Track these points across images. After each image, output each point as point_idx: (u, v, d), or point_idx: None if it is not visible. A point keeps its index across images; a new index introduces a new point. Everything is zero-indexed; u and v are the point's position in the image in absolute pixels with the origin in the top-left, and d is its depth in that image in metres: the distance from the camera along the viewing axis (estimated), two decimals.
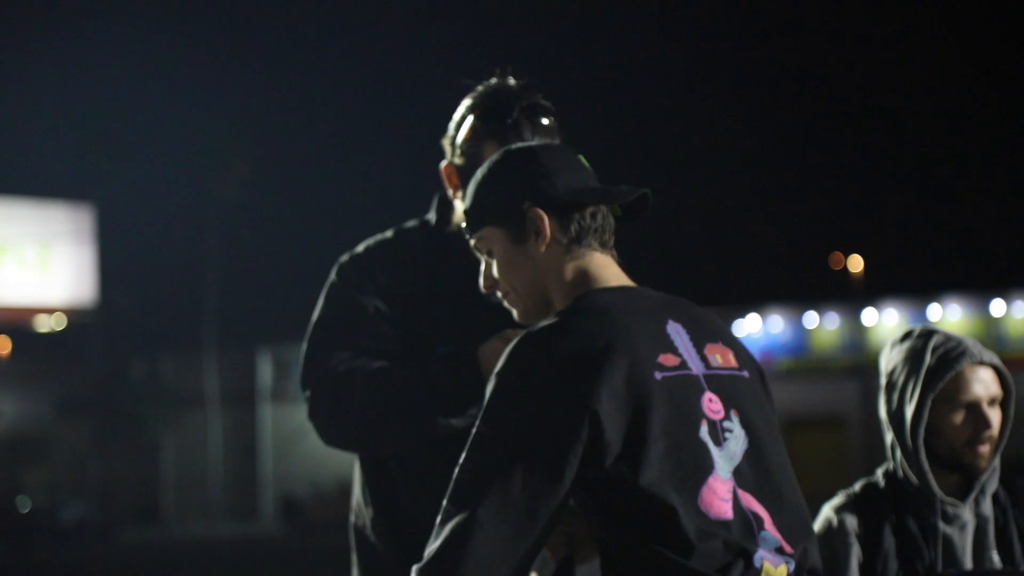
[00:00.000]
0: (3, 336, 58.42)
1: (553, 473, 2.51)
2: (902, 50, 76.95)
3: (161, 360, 57.22)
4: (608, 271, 2.77)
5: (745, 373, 2.77)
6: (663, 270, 62.81)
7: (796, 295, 50.71)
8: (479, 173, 2.79)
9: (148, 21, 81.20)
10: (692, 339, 2.71)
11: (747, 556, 2.55)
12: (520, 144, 2.85)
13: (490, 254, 2.78)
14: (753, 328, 49.76)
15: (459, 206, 3.44)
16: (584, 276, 2.73)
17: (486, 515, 2.49)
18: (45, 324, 54.22)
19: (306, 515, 47.91)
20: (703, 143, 73.25)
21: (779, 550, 2.60)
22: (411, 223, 3.61)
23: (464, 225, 2.80)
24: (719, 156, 71.60)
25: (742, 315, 49.90)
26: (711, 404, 2.65)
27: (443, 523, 2.51)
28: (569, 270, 2.73)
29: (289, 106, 75.64)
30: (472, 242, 2.80)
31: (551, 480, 2.51)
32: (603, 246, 2.79)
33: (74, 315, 53.81)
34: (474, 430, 2.57)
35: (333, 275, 3.54)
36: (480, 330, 3.31)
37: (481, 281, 2.80)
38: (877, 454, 47.36)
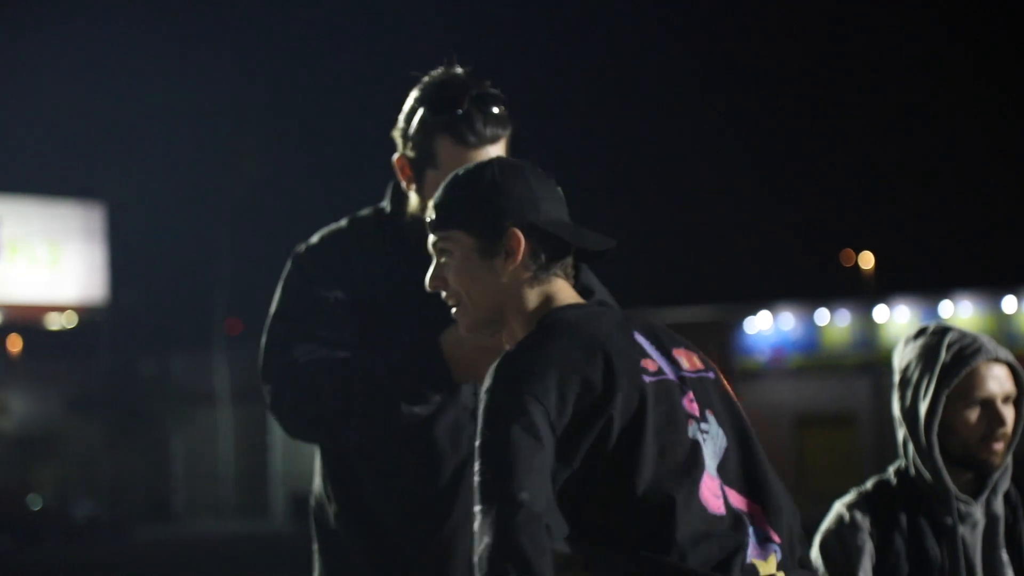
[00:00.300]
0: (14, 334, 58.50)
1: (568, 456, 2.56)
2: (914, 45, 76.82)
3: (171, 357, 57.22)
4: (566, 292, 2.76)
5: (711, 374, 2.83)
6: (674, 267, 62.74)
7: (807, 292, 50.63)
8: (465, 173, 2.77)
9: (159, 19, 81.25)
10: (657, 346, 2.74)
11: (742, 553, 2.59)
12: (513, 161, 2.83)
13: (447, 255, 2.76)
14: (764, 325, 49.70)
15: (414, 198, 3.43)
16: (547, 299, 2.73)
17: (521, 493, 2.49)
18: (56, 322, 54.29)
19: None
20: (714, 140, 73.18)
21: (766, 539, 2.65)
22: (365, 211, 3.58)
23: (430, 218, 2.77)
24: (730, 153, 71.52)
25: (753, 312, 49.84)
26: (691, 405, 2.71)
27: (484, 522, 2.49)
28: (533, 294, 2.73)
29: (301, 103, 75.66)
30: (433, 238, 2.77)
31: (565, 464, 2.56)
32: (565, 275, 2.78)
33: (85, 313, 53.87)
34: (478, 441, 2.58)
35: (289, 265, 3.51)
36: (436, 318, 3.26)
37: (428, 278, 2.78)
38: (889, 452, 47.27)
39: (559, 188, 2.82)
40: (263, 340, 3.46)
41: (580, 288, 3.33)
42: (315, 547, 3.56)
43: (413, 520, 3.37)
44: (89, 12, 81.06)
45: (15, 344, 59.52)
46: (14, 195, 52.76)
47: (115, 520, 48.26)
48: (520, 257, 2.71)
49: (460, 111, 3.34)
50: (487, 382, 2.60)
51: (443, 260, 2.76)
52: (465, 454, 3.36)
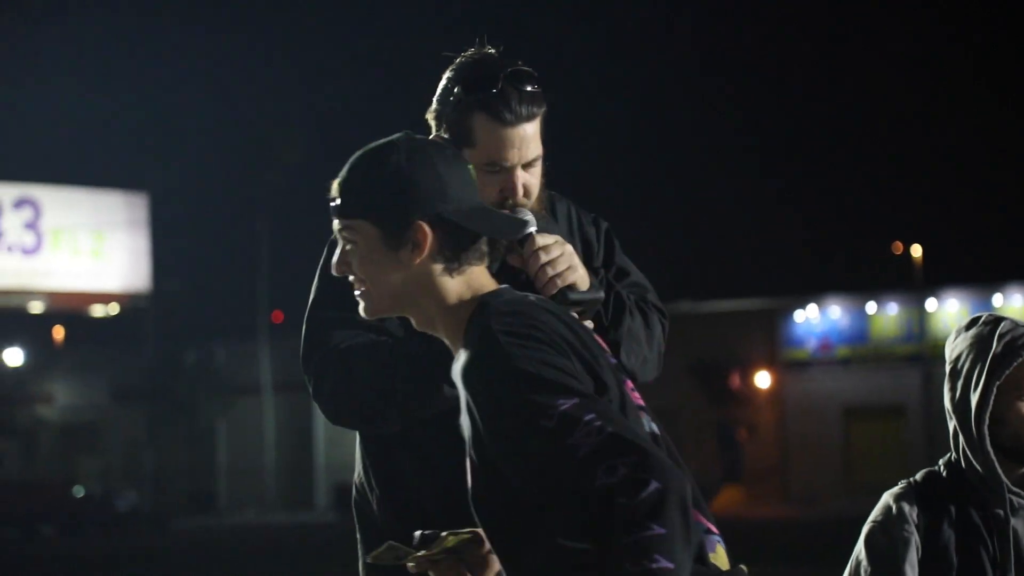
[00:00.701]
0: (58, 324, 58.61)
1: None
2: (964, 35, 76.25)
3: (215, 347, 57.20)
4: (485, 277, 2.72)
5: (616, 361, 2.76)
6: (724, 258, 62.38)
7: (857, 283, 50.28)
8: (370, 157, 2.73)
9: (201, 10, 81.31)
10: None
11: (705, 546, 2.57)
12: (420, 143, 2.76)
13: (351, 243, 2.70)
14: (812, 316, 49.31)
15: None
16: (469, 286, 2.68)
17: (610, 423, 2.41)
18: (100, 311, 54.32)
19: None
20: (764, 131, 72.78)
21: (707, 531, 2.60)
22: None
23: (333, 202, 2.73)
24: (780, 144, 71.13)
25: (803, 304, 49.44)
26: (634, 392, 2.67)
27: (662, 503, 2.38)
28: (452, 284, 2.68)
29: (340, 91, 75.52)
30: (336, 224, 2.72)
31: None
32: (480, 261, 2.73)
33: (128, 302, 53.91)
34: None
35: (326, 253, 3.51)
36: None
37: (334, 263, 2.76)
38: (938, 444, 46.86)
39: (469, 167, 2.77)
40: (304, 328, 3.48)
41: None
42: (358, 536, 3.59)
43: (455, 507, 3.29)
44: (134, 5, 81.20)
45: (58, 333, 59.65)
46: (58, 185, 52.84)
47: (158, 510, 48.28)
48: (427, 250, 2.64)
49: (496, 89, 3.35)
50: (495, 388, 2.51)
51: (348, 247, 2.70)
52: None
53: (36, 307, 52.74)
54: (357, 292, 2.76)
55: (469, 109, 3.37)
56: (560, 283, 3.28)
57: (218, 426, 56.46)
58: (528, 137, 3.37)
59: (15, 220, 51.15)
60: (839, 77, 76.56)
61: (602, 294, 3.28)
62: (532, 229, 3.31)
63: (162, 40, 76.81)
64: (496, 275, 3.20)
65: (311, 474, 55.30)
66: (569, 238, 3.54)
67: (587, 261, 3.54)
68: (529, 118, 3.37)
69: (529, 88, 3.38)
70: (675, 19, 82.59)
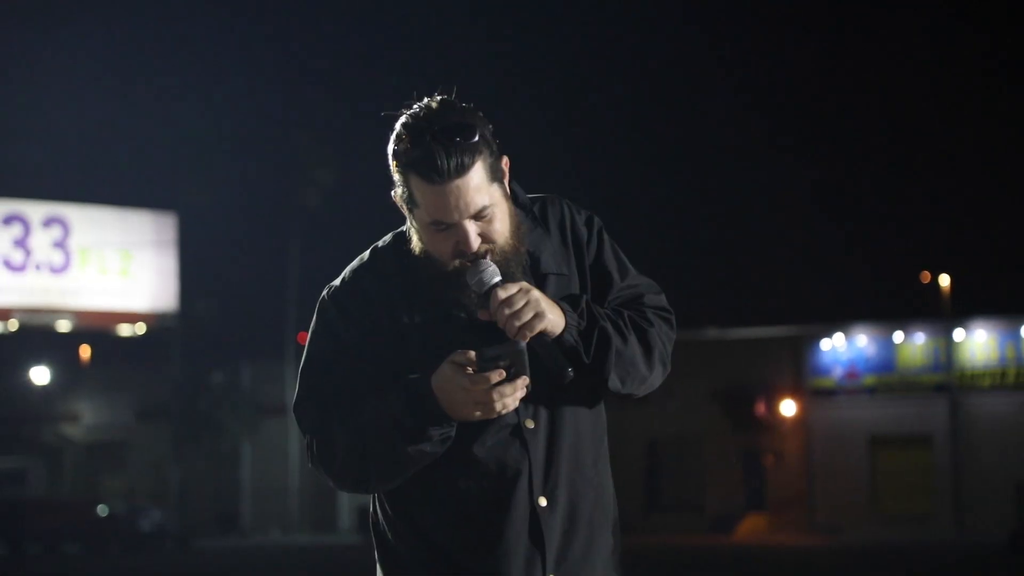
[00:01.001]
0: (84, 342, 58.77)
1: None
2: (991, 66, 76.10)
3: (241, 368, 57.30)
4: None
5: None
6: (752, 286, 62.26)
7: (884, 312, 50.13)
8: None
9: (232, 30, 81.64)
10: None
11: None
12: None
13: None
14: (839, 344, 49.18)
15: (414, 235, 3.46)
16: None
17: None
18: (126, 330, 54.46)
19: None
20: (793, 160, 72.72)
21: None
22: (387, 240, 3.60)
23: None
24: (809, 172, 71.02)
25: (830, 332, 49.31)
26: None
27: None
28: None
29: (372, 113, 75.75)
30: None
31: None
32: None
33: (155, 322, 54.03)
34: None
35: (315, 315, 3.56)
36: (457, 348, 3.35)
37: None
38: (964, 474, 46.72)
39: None
40: (295, 393, 3.54)
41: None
42: (376, 558, 3.62)
43: (463, 537, 3.42)
44: (162, 25, 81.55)
45: (85, 352, 59.81)
46: (87, 204, 53.03)
47: (182, 530, 48.31)
48: None
49: (422, 149, 3.32)
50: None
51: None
52: (512, 471, 3.41)
53: (63, 326, 52.91)
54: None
55: (406, 170, 3.37)
56: (528, 333, 3.28)
57: (243, 446, 56.52)
58: (466, 191, 3.31)
59: (44, 238, 51.36)
60: (869, 105, 76.50)
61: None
62: (496, 280, 3.31)
63: (194, 60, 77.15)
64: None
65: (335, 496, 55.29)
66: (560, 242, 3.54)
67: (579, 263, 3.55)
68: (460, 173, 3.30)
69: (458, 142, 3.31)
70: (708, 43, 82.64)
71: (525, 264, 3.44)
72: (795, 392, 49.72)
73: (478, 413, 3.28)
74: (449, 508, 3.42)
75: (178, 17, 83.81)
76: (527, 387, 3.26)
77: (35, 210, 51.63)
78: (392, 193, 3.47)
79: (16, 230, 51.05)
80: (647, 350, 3.51)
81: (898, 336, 48.53)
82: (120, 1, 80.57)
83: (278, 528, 54.28)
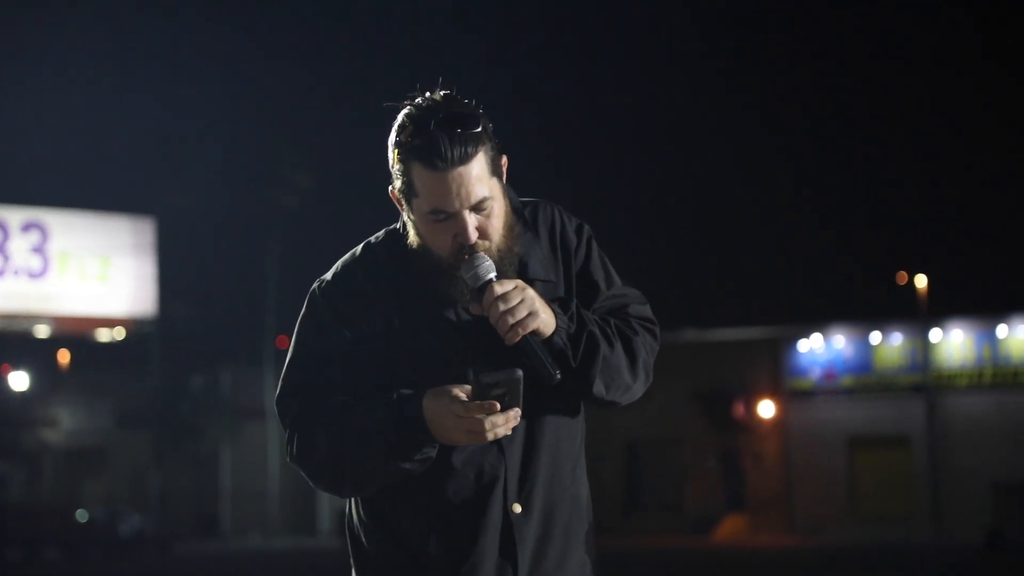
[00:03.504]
0: (63, 348, 58.64)
1: None
2: (967, 67, 76.34)
3: (220, 372, 57.24)
4: None
5: None
6: (728, 288, 62.38)
7: (861, 313, 50.26)
8: None
9: (208, 36, 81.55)
10: None
11: None
12: None
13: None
14: (816, 345, 49.32)
15: (411, 228, 3.46)
16: None
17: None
18: (105, 336, 54.38)
19: None
20: (767, 162, 72.87)
21: None
22: (379, 236, 3.60)
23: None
24: (783, 174, 71.18)
25: (807, 333, 49.46)
26: None
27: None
28: None
29: (349, 115, 75.71)
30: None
31: None
32: None
33: (134, 327, 53.95)
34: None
35: (304, 308, 3.56)
36: (447, 347, 3.39)
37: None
38: (941, 474, 46.89)
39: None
40: (278, 388, 3.53)
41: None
42: (352, 563, 3.62)
43: (437, 542, 3.43)
44: (139, 31, 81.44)
45: (64, 357, 59.69)
46: (65, 209, 52.93)
47: (162, 534, 48.24)
48: None
49: (426, 136, 3.33)
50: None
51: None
52: (488, 478, 3.42)
53: (42, 331, 52.82)
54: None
55: (407, 160, 3.37)
56: (521, 331, 3.29)
57: (223, 451, 56.46)
58: (468, 180, 3.33)
59: (22, 244, 51.25)
60: (843, 106, 76.70)
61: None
62: (492, 276, 3.32)
63: (170, 64, 77.04)
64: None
65: (315, 499, 55.27)
66: (549, 249, 3.55)
67: (566, 270, 3.56)
68: (463, 160, 3.32)
69: (461, 131, 3.34)
70: (694, 44, 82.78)
71: (515, 266, 3.45)
72: (773, 393, 49.85)
73: (465, 439, 3.29)
74: (424, 514, 3.43)
75: (155, 23, 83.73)
76: (517, 419, 3.27)
77: (13, 215, 51.52)
78: (390, 188, 3.48)
79: None
80: (632, 358, 3.52)
81: (875, 337, 48.69)
82: (98, 8, 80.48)
83: (258, 532, 54.24)
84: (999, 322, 46.85)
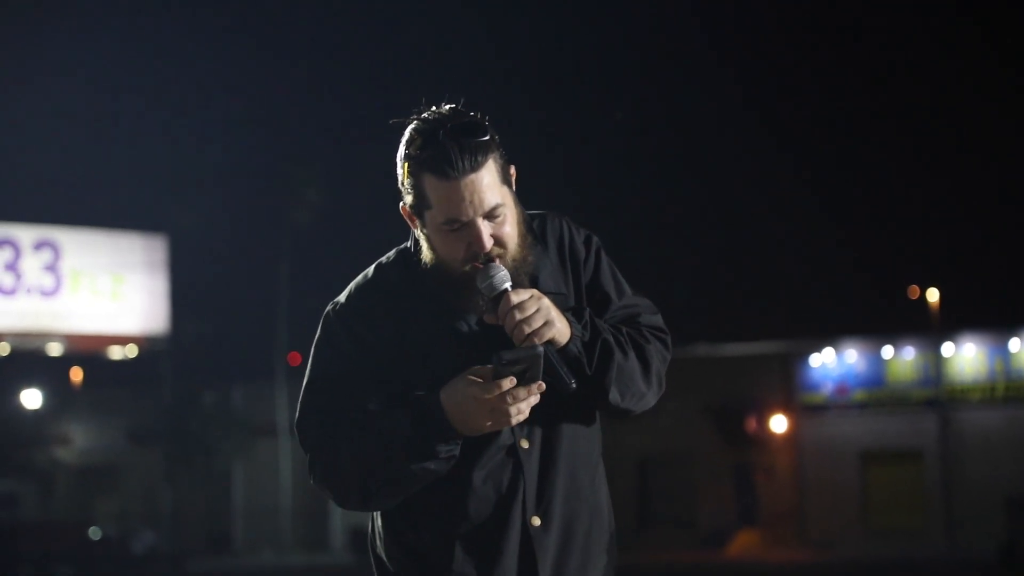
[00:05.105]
0: (76, 365, 58.70)
1: None
2: (979, 80, 76.27)
3: (233, 389, 57.27)
4: None
5: None
6: (740, 302, 62.32)
7: (873, 327, 50.16)
8: None
9: (218, 55, 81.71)
10: None
11: None
12: None
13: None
14: (828, 360, 49.24)
15: (424, 243, 3.48)
16: None
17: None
18: (118, 353, 54.44)
19: None
20: (779, 175, 72.81)
21: None
22: (390, 256, 3.62)
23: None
24: (796, 187, 71.13)
25: (818, 347, 49.39)
26: None
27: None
28: None
29: (361, 133, 75.78)
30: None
31: None
32: None
33: (146, 344, 54.01)
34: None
35: (319, 331, 3.57)
36: (463, 366, 3.38)
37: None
38: (954, 489, 46.77)
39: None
40: (297, 411, 3.55)
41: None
42: None
43: (459, 555, 3.44)
44: (151, 48, 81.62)
45: (76, 375, 59.75)
46: (77, 227, 53.03)
47: (175, 552, 48.27)
48: None
49: (436, 146, 3.36)
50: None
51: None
52: (507, 492, 3.44)
53: (54, 349, 52.89)
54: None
55: (418, 171, 3.40)
56: (537, 340, 3.31)
57: (235, 468, 56.46)
58: (479, 188, 3.35)
59: (35, 262, 51.35)
60: (856, 119, 76.64)
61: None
62: (507, 286, 3.34)
63: (182, 82, 77.21)
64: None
65: (327, 516, 55.25)
66: (559, 261, 3.58)
67: (576, 281, 3.58)
68: (474, 168, 3.35)
69: (470, 139, 3.36)
70: (702, 53, 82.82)
71: (530, 276, 3.48)
72: (786, 408, 49.78)
73: (490, 423, 3.31)
74: (445, 531, 3.45)
75: (166, 40, 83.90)
76: (539, 392, 3.29)
77: (26, 234, 51.63)
78: (400, 205, 3.49)
79: (7, 254, 51.04)
80: (645, 366, 3.54)
81: (887, 351, 48.61)
82: (109, 25, 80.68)
83: (270, 549, 54.22)
84: (1012, 336, 46.76)
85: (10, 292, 51.02)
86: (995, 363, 47.03)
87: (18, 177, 59.54)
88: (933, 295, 48.12)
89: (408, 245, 3.59)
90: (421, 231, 3.47)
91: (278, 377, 54.98)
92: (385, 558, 3.55)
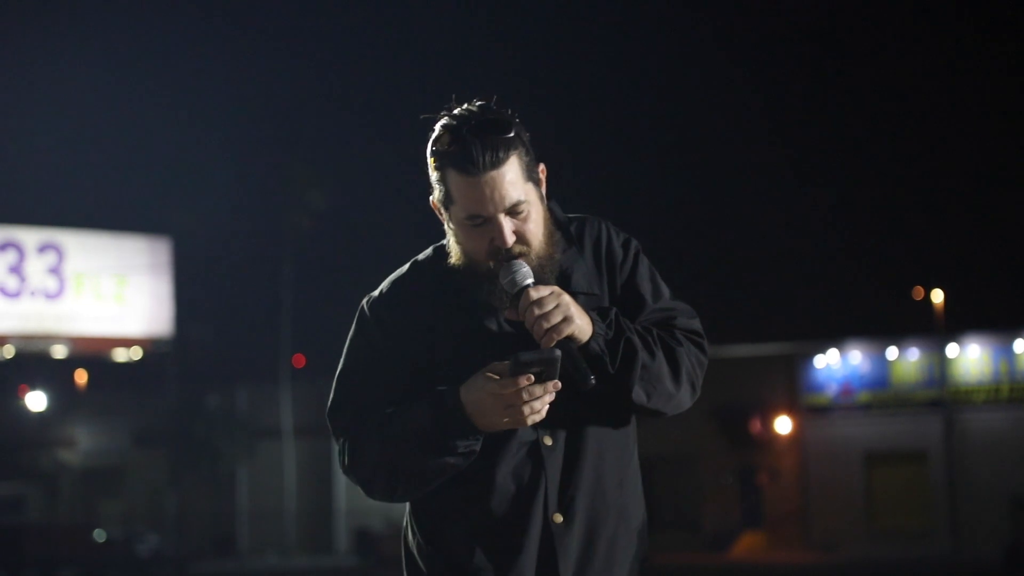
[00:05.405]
0: (80, 367, 58.73)
1: None
2: (984, 80, 76.27)
3: (237, 392, 57.28)
4: None
5: None
6: (744, 303, 62.32)
7: (877, 328, 50.12)
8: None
9: (222, 57, 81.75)
10: None
11: None
12: None
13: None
14: (833, 361, 49.22)
15: (451, 238, 3.54)
16: None
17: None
18: (122, 356, 54.47)
19: (380, 548, 47.73)
20: (784, 175, 72.83)
21: None
22: (426, 254, 3.66)
23: None
24: (800, 188, 71.12)
25: (823, 349, 49.36)
26: None
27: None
28: None
29: (364, 136, 75.85)
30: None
31: None
32: None
33: (150, 347, 54.03)
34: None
35: (354, 323, 3.63)
36: (483, 362, 3.40)
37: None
38: (959, 489, 46.73)
39: None
40: (329, 398, 3.60)
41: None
42: (404, 572, 3.67)
43: (481, 550, 3.47)
44: (154, 51, 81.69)
45: (81, 377, 59.78)
46: (81, 229, 53.06)
47: (180, 554, 48.28)
48: None
49: (459, 143, 3.41)
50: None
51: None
52: (528, 487, 3.45)
53: (59, 351, 52.92)
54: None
55: (443, 167, 3.44)
56: (556, 336, 3.32)
57: (239, 470, 56.47)
58: (501, 183, 3.39)
59: (39, 265, 51.39)
60: (860, 119, 76.65)
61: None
62: (529, 281, 3.37)
63: (186, 85, 77.25)
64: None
65: (331, 518, 55.27)
66: (594, 263, 3.60)
67: (611, 283, 3.60)
68: (495, 165, 3.39)
69: (493, 136, 3.40)
70: (709, 58, 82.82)
71: (557, 276, 3.50)
72: (790, 409, 49.75)
73: (507, 420, 3.33)
74: (467, 524, 3.48)
75: (170, 43, 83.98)
76: (555, 391, 3.30)
77: (29, 236, 51.67)
78: (430, 198, 3.55)
79: (11, 256, 51.09)
80: (674, 368, 3.55)
81: (892, 352, 48.58)
82: (112, 27, 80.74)
83: (275, 551, 54.23)
84: (1016, 337, 46.73)
85: (14, 294, 51.07)
86: (1000, 364, 47.00)
87: (22, 180, 59.60)
88: (937, 296, 48.08)
89: (444, 243, 3.63)
90: (448, 226, 3.53)
91: (282, 379, 54.99)
92: (415, 550, 3.59)
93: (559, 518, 3.45)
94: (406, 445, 3.40)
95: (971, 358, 47.37)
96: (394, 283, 3.62)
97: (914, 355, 48.41)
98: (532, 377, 3.26)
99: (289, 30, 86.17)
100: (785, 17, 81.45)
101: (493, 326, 3.48)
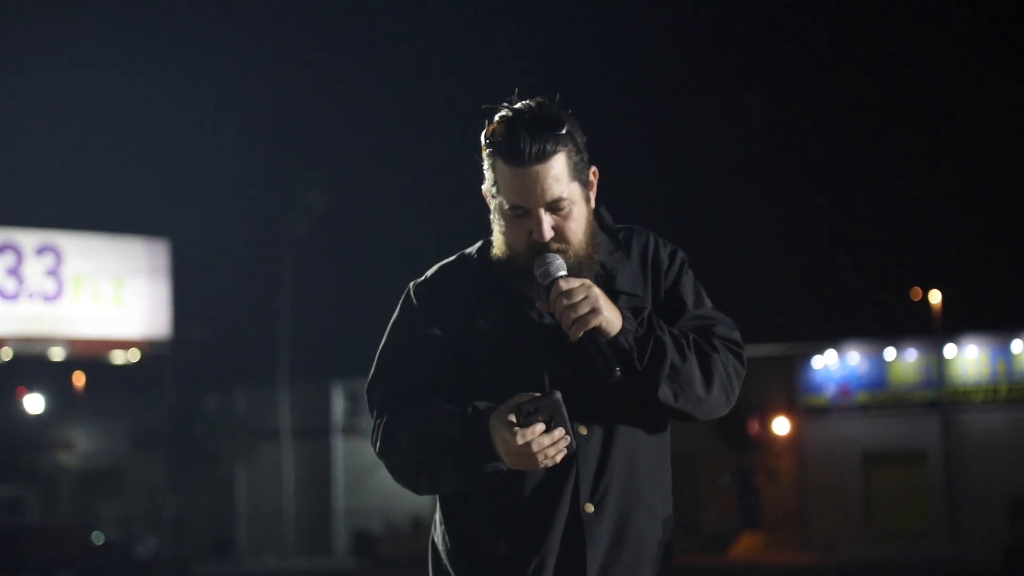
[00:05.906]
0: (78, 370, 58.73)
1: None
2: (982, 82, 76.28)
3: (235, 394, 57.29)
4: None
5: None
6: (742, 304, 62.36)
7: (875, 329, 50.13)
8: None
9: (221, 60, 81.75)
10: None
11: None
12: None
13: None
14: (831, 362, 49.23)
15: (495, 229, 3.59)
16: None
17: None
18: (120, 358, 54.47)
19: (379, 550, 47.76)
20: (782, 177, 72.85)
21: None
22: (475, 247, 3.71)
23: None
24: (798, 189, 71.13)
25: (821, 349, 49.38)
26: None
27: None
28: None
29: (362, 139, 75.83)
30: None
31: None
32: None
33: (149, 349, 54.02)
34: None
35: (400, 305, 3.70)
36: (528, 359, 3.49)
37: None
38: (957, 490, 46.75)
39: None
40: (370, 373, 3.67)
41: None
42: (429, 566, 3.71)
43: (508, 536, 3.50)
44: (153, 54, 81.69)
45: (79, 380, 59.78)
46: (79, 231, 53.05)
47: (178, 556, 48.27)
48: None
49: (509, 134, 3.46)
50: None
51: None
52: (560, 476, 3.47)
53: (57, 354, 52.91)
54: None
55: (493, 156, 3.51)
56: (582, 327, 3.38)
57: (238, 472, 56.48)
58: (545, 177, 3.45)
59: (37, 267, 51.38)
60: (856, 121, 76.65)
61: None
62: (561, 274, 3.42)
63: (184, 87, 77.20)
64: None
65: (330, 520, 55.28)
66: (639, 268, 3.65)
67: (655, 289, 3.65)
68: (541, 158, 3.45)
69: (543, 130, 3.46)
70: (708, 59, 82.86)
71: (599, 278, 3.54)
72: (788, 410, 49.78)
73: (520, 465, 3.37)
74: (497, 515, 3.51)
75: (168, 45, 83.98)
76: (571, 433, 3.33)
77: (27, 238, 51.67)
78: (483, 187, 3.62)
79: (8, 259, 51.09)
80: (707, 373, 3.58)
81: (890, 353, 48.60)
82: (110, 29, 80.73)
83: (274, 553, 54.24)
84: (1014, 338, 46.75)
85: (12, 297, 51.06)
86: (998, 365, 47.02)
87: (20, 182, 59.58)
88: (935, 297, 48.10)
89: (492, 238, 3.68)
90: (494, 215, 3.59)
91: (280, 381, 55.00)
92: (439, 543, 3.63)
93: (590, 508, 3.47)
94: (434, 454, 3.43)
95: (969, 359, 47.38)
96: (440, 269, 3.70)
97: (912, 356, 48.43)
98: (536, 430, 3.30)
99: (288, 32, 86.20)
100: (785, 17, 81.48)
101: (534, 315, 3.53)
